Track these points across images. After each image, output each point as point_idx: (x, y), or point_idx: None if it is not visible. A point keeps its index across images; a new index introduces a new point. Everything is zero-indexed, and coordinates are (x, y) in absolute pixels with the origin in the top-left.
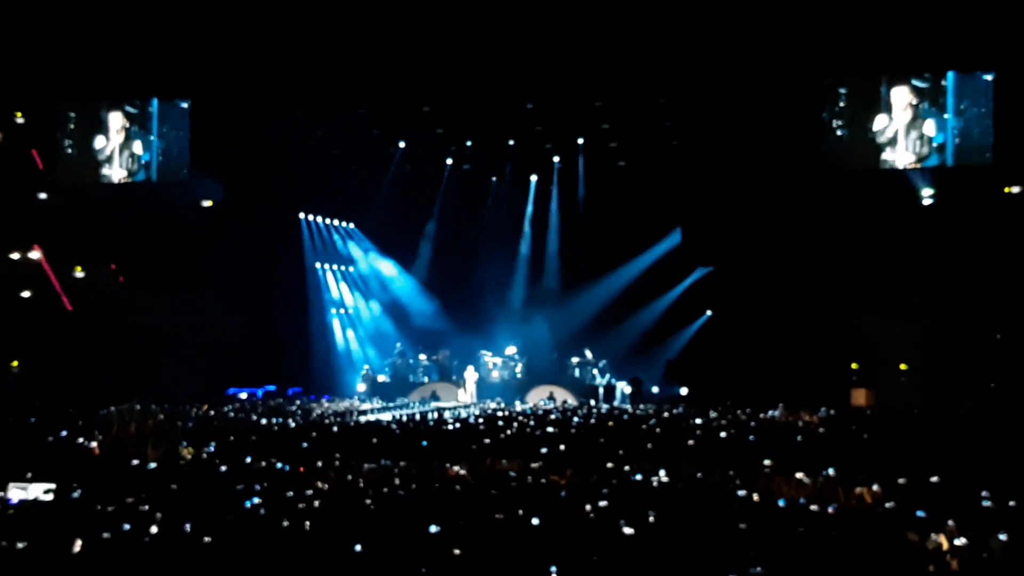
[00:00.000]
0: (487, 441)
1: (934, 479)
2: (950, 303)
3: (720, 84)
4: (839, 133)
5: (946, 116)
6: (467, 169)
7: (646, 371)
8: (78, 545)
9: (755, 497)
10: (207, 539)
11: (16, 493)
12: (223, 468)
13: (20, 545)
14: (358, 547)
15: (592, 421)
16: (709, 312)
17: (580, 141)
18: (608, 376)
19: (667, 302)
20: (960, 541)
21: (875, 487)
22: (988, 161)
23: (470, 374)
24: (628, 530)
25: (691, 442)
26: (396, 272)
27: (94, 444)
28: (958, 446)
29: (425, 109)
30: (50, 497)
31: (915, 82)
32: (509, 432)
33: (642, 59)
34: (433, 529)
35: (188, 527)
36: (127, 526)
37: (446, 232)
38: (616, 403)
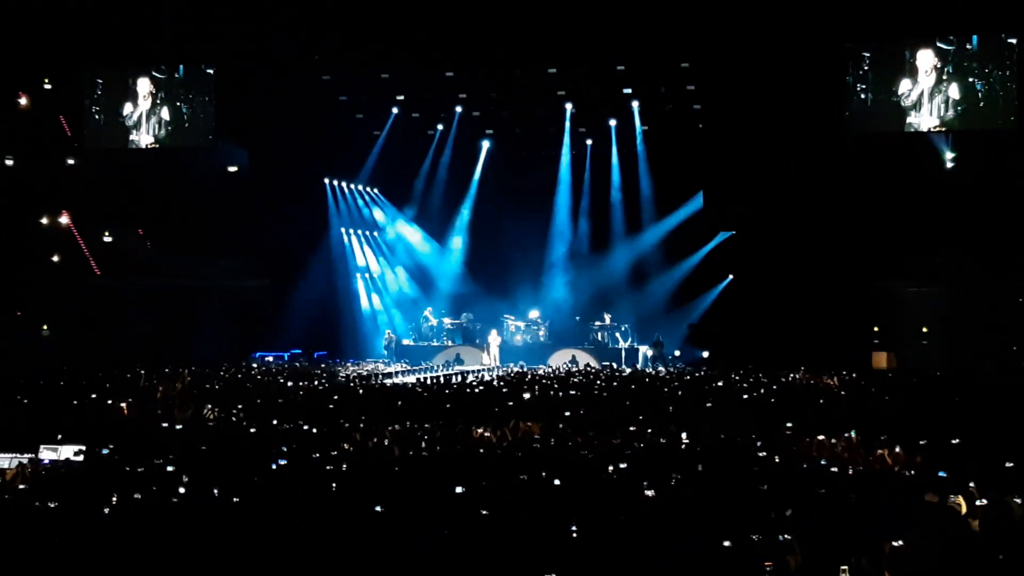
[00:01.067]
0: (511, 404)
1: (955, 441)
2: (972, 266)
3: (744, 48)
4: (863, 96)
5: (970, 79)
6: (491, 134)
7: (668, 335)
8: (114, 499)
9: (776, 459)
10: (235, 499)
11: (47, 454)
12: (251, 430)
13: (51, 504)
14: (379, 508)
15: (615, 384)
16: (731, 276)
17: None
18: (630, 339)
19: (689, 266)
20: (981, 502)
21: (896, 449)
22: (1012, 124)
23: (493, 338)
24: (650, 492)
25: (710, 404)
26: (421, 237)
27: (123, 405)
28: (979, 408)
29: (449, 74)
30: (80, 458)
31: (939, 45)
32: (533, 395)
33: (666, 23)
34: (457, 490)
35: (216, 488)
36: (155, 487)
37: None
38: (638, 366)
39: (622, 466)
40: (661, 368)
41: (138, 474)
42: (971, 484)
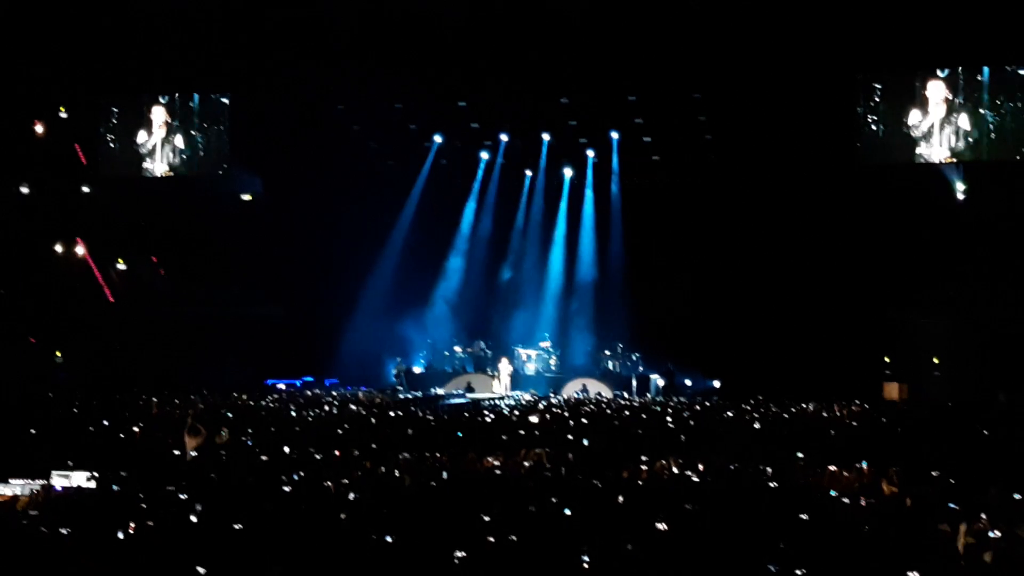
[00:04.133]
0: (522, 432)
1: (967, 472)
2: (984, 297)
3: (755, 79)
4: (874, 128)
5: (981, 111)
6: (503, 163)
7: (679, 364)
8: (128, 526)
9: (787, 490)
10: (239, 526)
11: (59, 480)
12: (263, 457)
13: (63, 531)
14: (391, 537)
15: (625, 413)
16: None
17: (614, 136)
18: (642, 368)
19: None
20: (994, 534)
21: (907, 480)
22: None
23: (504, 366)
24: (661, 525)
25: (721, 435)
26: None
27: (135, 431)
28: (991, 439)
29: (461, 104)
30: (92, 484)
31: (950, 77)
32: (543, 424)
33: (676, 54)
34: (476, 518)
35: (227, 515)
36: (167, 514)
37: (478, 226)
38: (650, 395)
39: (632, 497)
40: (672, 397)
41: (150, 501)
42: (983, 516)
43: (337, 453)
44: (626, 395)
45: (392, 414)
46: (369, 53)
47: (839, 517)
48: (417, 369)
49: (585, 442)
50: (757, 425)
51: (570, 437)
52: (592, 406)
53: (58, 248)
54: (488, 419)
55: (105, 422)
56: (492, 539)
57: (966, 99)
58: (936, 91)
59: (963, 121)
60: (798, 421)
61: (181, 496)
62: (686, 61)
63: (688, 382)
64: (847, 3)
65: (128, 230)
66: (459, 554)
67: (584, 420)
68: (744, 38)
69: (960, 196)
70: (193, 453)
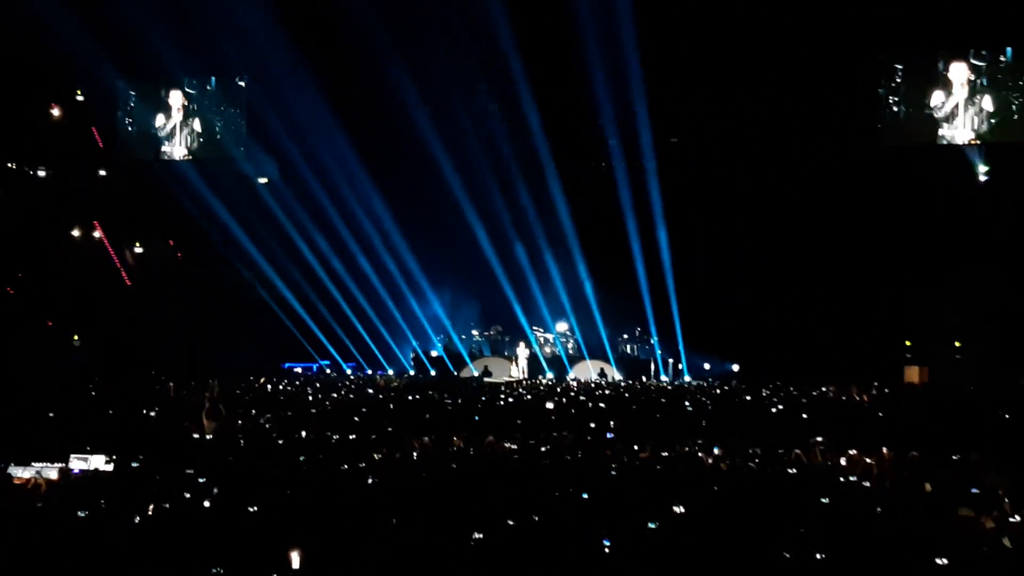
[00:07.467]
0: (539, 416)
1: (989, 456)
2: (1006, 280)
3: (775, 60)
4: (895, 109)
5: (1004, 92)
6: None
7: (696, 347)
8: (148, 509)
9: (807, 474)
10: (264, 510)
11: (77, 464)
12: (280, 441)
13: (81, 513)
14: (409, 521)
15: (642, 397)
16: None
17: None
18: (659, 352)
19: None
20: (1014, 519)
21: (928, 464)
22: None
23: (522, 350)
24: (679, 509)
25: (743, 419)
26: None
27: (153, 415)
28: (1013, 424)
29: (480, 87)
30: (111, 467)
31: (972, 58)
32: (561, 408)
33: (695, 36)
34: (485, 502)
35: (244, 499)
36: (184, 497)
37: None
38: (666, 379)
39: (651, 480)
40: (680, 379)
41: (168, 484)
42: (1005, 500)
43: (354, 437)
44: (644, 378)
45: (410, 398)
46: (383, 35)
47: (859, 502)
48: (434, 353)
49: (612, 423)
50: (776, 409)
51: (592, 425)
52: (609, 389)
53: (75, 232)
54: (506, 403)
55: (123, 405)
56: (511, 522)
57: (989, 80)
58: (958, 72)
59: (986, 102)
60: (818, 405)
61: (199, 479)
62: (706, 42)
63: (707, 366)
64: None
65: (145, 213)
66: (477, 536)
67: (602, 404)
68: (765, 19)
69: (982, 178)
70: (210, 436)
